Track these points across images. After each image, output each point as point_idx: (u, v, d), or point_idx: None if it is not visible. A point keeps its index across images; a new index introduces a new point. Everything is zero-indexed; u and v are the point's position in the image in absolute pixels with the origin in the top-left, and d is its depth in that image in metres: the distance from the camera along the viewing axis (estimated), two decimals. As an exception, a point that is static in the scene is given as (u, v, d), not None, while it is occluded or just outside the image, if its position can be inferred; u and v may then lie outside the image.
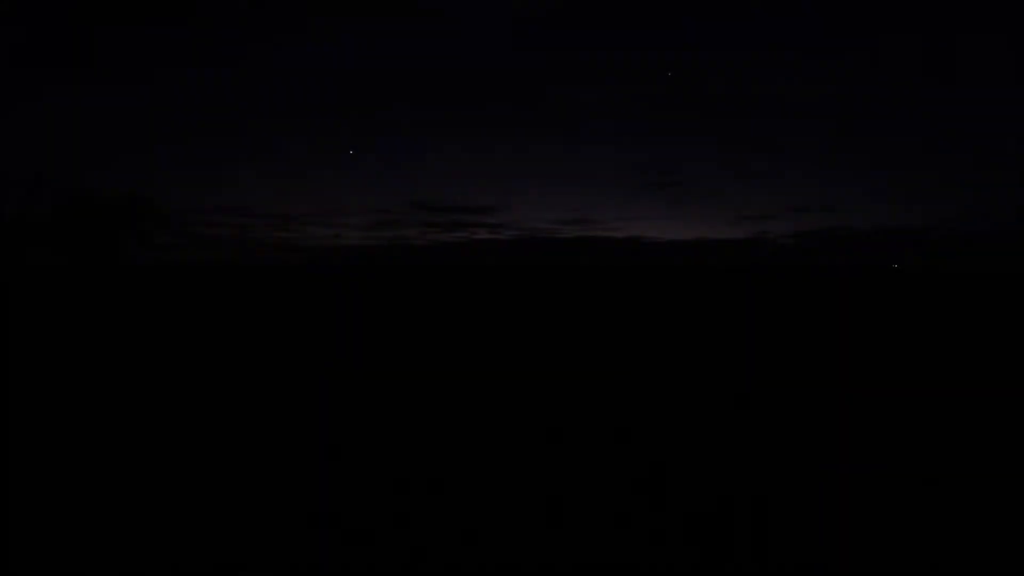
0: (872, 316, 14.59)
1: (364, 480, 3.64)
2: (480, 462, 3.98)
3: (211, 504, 3.29)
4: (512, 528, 3.02)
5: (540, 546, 2.85)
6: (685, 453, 4.17)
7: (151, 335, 10.46)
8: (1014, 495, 3.46)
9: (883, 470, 3.84)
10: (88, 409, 5.31)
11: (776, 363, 7.76)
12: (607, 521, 3.10)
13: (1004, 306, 17.84)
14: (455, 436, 4.56)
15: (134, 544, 2.84)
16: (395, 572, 2.60)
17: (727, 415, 5.19)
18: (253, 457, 4.06)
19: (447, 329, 11.72)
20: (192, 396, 5.83)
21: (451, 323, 12.90)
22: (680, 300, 20.96)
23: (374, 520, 3.09)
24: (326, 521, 3.07)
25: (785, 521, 3.09)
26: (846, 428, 4.79)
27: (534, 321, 13.38)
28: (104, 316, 13.96)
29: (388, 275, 58.25)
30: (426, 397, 5.87)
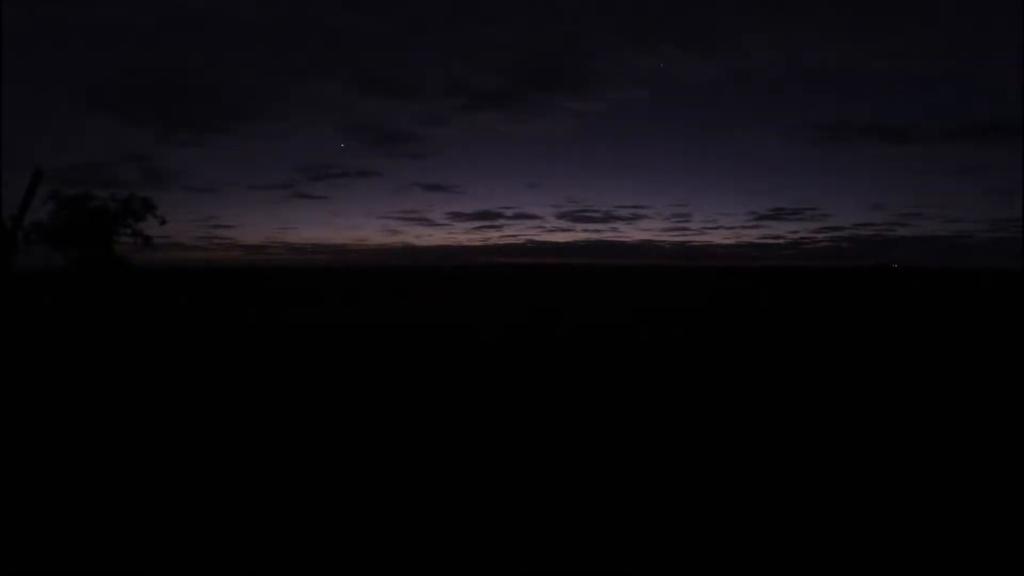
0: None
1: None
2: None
3: (210, 502, 3.29)
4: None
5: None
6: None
7: (150, 335, 10.44)
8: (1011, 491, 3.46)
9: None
10: (88, 408, 5.30)
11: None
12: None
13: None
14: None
15: (132, 542, 2.84)
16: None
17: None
18: (250, 455, 4.06)
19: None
20: (192, 395, 5.83)
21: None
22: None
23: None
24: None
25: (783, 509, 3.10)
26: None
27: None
28: (103, 316, 13.93)
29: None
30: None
